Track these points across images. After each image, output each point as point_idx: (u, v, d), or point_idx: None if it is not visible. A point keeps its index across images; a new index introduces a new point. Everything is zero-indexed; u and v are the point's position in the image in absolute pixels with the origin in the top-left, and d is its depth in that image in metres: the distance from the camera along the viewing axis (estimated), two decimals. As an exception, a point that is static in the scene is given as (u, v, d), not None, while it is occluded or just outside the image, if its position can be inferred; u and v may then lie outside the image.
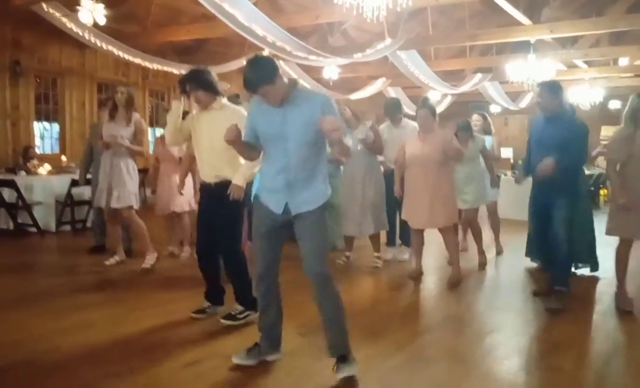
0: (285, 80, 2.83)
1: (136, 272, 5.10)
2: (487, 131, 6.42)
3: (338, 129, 2.62)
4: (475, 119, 6.38)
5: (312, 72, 10.87)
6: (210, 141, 3.60)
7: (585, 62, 12.07)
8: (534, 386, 3.00)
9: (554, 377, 3.10)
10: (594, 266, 5.32)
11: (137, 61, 8.83)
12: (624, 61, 12.17)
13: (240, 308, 3.70)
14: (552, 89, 4.32)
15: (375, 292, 4.80)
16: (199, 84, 3.60)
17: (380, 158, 5.72)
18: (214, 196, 3.62)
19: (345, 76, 11.63)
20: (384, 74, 12.19)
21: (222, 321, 3.65)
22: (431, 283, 5.13)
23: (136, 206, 5.23)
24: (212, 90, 3.63)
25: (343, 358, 2.87)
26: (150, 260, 5.21)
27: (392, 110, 5.98)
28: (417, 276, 5.11)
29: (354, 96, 12.41)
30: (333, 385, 2.83)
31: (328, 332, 2.91)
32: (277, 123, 2.81)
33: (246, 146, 2.97)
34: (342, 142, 2.80)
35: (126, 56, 8.52)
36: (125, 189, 5.12)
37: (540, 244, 4.46)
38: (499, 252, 6.27)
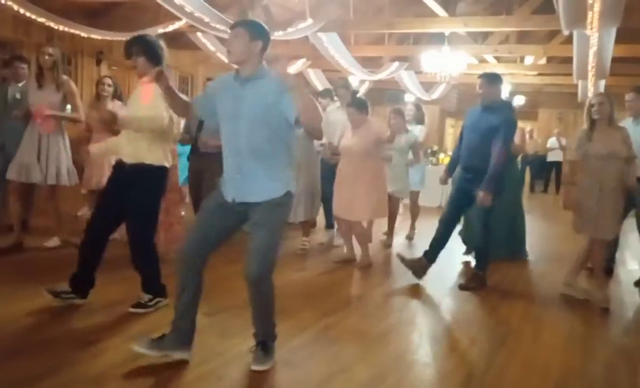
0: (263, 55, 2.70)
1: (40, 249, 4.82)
2: (419, 120, 6.58)
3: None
4: (409, 109, 6.53)
5: (231, 47, 10.63)
6: (136, 112, 3.37)
7: (495, 57, 12.71)
8: (429, 363, 3.15)
9: (450, 354, 3.29)
10: (520, 255, 5.70)
11: (41, 20, 8.19)
12: (529, 60, 12.96)
13: (149, 296, 3.51)
14: (492, 79, 4.54)
15: (288, 274, 4.80)
16: (145, 51, 3.37)
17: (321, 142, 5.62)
18: (127, 179, 3.38)
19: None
20: (304, 54, 12.15)
21: (131, 309, 3.43)
22: (346, 266, 5.19)
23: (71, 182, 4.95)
24: (155, 60, 3.36)
25: (264, 344, 2.81)
26: (55, 241, 4.92)
27: (342, 90, 5.90)
28: (346, 262, 5.15)
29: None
30: (239, 362, 2.84)
31: (254, 322, 2.84)
32: (231, 99, 2.68)
33: (180, 98, 2.80)
34: (306, 98, 2.54)
35: (28, 13, 7.86)
36: (64, 166, 4.81)
37: (444, 224, 4.65)
38: (411, 237, 6.49)
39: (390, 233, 6.13)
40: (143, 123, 3.35)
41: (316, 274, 4.84)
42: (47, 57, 4.73)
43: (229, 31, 2.73)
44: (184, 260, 2.74)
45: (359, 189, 4.93)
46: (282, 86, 2.57)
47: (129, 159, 3.40)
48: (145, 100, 3.38)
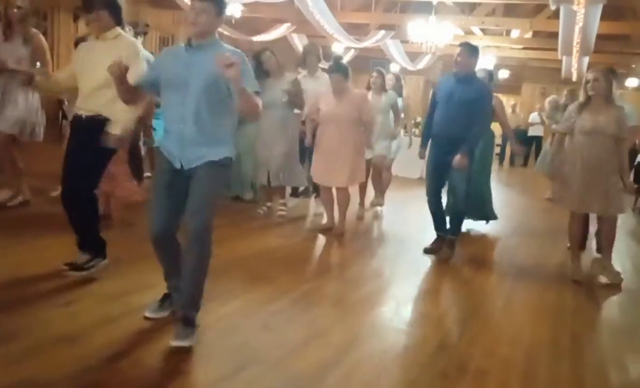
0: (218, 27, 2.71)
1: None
2: (398, 92, 6.52)
3: (234, 66, 2.40)
4: (389, 78, 6.44)
5: (215, 8, 10.41)
6: (93, 71, 3.22)
7: (481, 29, 12.67)
8: (404, 329, 3.22)
9: (424, 322, 3.36)
10: (487, 218, 5.82)
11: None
12: (515, 33, 12.94)
13: (86, 256, 3.35)
14: (471, 50, 4.53)
15: (268, 240, 4.81)
16: (109, 4, 3.23)
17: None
18: (83, 131, 3.25)
19: (248, 16, 11.27)
20: (288, 19, 11.96)
21: (70, 273, 3.28)
22: (326, 234, 5.21)
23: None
24: (116, 15, 3.26)
25: (186, 318, 2.66)
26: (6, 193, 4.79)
27: (311, 57, 5.83)
28: (327, 230, 5.13)
29: (257, 38, 12.10)
30: (217, 326, 2.86)
31: (182, 290, 2.72)
32: (181, 66, 2.64)
33: (130, 87, 2.75)
34: (242, 88, 2.53)
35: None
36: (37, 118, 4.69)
37: (434, 199, 4.68)
38: (380, 204, 6.40)
39: (362, 201, 6.09)
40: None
41: (296, 241, 4.86)
42: (15, 10, 4.54)
43: (194, 3, 2.68)
44: (158, 243, 2.76)
45: (342, 156, 4.92)
46: (233, 56, 2.52)
47: (85, 112, 3.27)
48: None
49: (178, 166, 2.71)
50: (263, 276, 3.74)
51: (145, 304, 2.96)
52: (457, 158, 4.34)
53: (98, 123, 3.22)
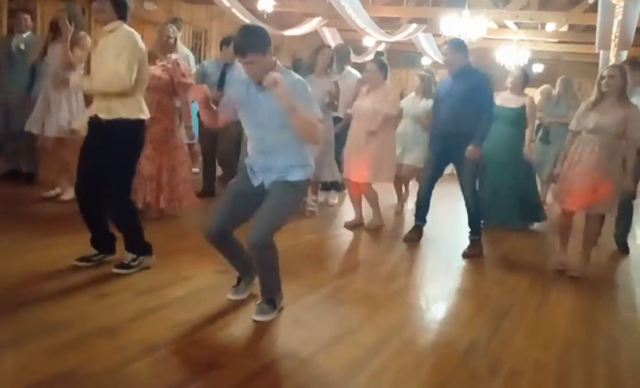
0: (274, 58, 2.81)
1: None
2: (428, 94, 5.88)
3: (278, 84, 2.59)
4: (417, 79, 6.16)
5: (246, 2, 10.47)
6: (99, 70, 3.22)
7: (515, 23, 12.42)
8: (434, 328, 3.21)
9: (455, 321, 3.34)
10: (537, 219, 5.80)
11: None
12: (550, 26, 12.64)
13: (131, 255, 3.41)
14: (457, 46, 4.55)
15: (299, 236, 4.83)
16: None
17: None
18: (103, 134, 3.25)
19: (279, 10, 11.30)
20: (319, 13, 11.94)
21: (115, 270, 3.35)
22: (355, 230, 5.22)
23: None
24: (120, 10, 3.22)
25: (269, 300, 2.94)
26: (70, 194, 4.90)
27: (343, 58, 5.87)
28: (355, 226, 5.16)
29: (288, 33, 12.11)
30: (249, 315, 2.91)
31: (260, 282, 3.00)
32: (255, 106, 2.81)
33: (214, 112, 2.95)
34: (291, 107, 2.65)
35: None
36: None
37: (427, 187, 4.75)
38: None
39: (400, 199, 6.13)
40: (104, 89, 3.22)
41: (325, 237, 4.89)
42: (61, 13, 4.56)
43: (238, 60, 2.84)
44: (210, 240, 2.92)
45: (367, 151, 4.91)
46: (295, 86, 2.74)
47: (103, 114, 3.26)
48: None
49: (256, 184, 2.90)
50: (294, 271, 3.75)
51: (179, 296, 3.04)
52: (470, 149, 4.34)
53: (118, 125, 3.24)
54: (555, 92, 7.30)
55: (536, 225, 5.87)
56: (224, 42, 5.72)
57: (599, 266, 4.63)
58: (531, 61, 14.45)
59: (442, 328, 3.25)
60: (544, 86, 7.93)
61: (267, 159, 2.87)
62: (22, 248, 3.65)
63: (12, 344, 2.42)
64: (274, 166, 2.86)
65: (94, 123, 3.31)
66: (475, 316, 3.42)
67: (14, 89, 5.22)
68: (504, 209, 5.53)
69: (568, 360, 2.90)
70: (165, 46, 4.57)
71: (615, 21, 6.99)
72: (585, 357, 2.97)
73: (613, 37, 7.70)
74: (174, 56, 4.57)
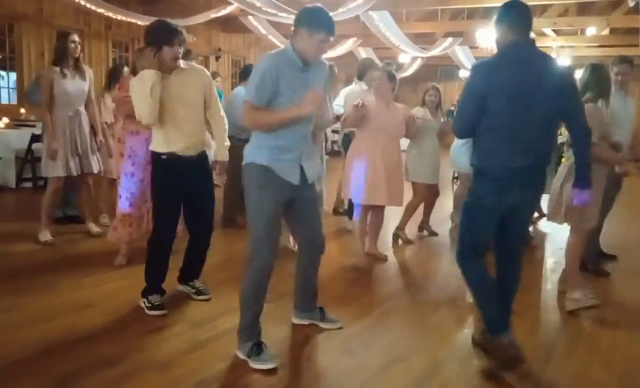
0: None
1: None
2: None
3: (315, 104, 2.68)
4: (430, 94, 5.56)
5: (282, 28, 10.65)
6: (185, 107, 3.25)
7: (554, 30, 12.19)
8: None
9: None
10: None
11: (100, 10, 8.47)
12: (590, 31, 12.35)
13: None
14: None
15: (343, 260, 4.82)
16: (145, 37, 3.25)
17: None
18: (197, 170, 3.32)
19: (315, 34, 11.45)
20: (354, 33, 12.04)
21: (196, 297, 3.56)
22: (399, 252, 5.20)
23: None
24: (156, 46, 3.19)
25: (322, 309, 3.24)
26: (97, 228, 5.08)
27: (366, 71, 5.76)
28: (375, 259, 4.76)
29: (325, 56, 12.26)
30: (299, 349, 2.92)
31: (315, 291, 3.22)
32: (301, 84, 2.75)
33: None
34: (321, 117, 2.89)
35: (88, 5, 8.15)
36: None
37: None
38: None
39: (425, 218, 5.80)
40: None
41: (367, 260, 4.84)
42: (75, 44, 4.54)
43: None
44: (269, 274, 2.83)
45: (399, 171, 4.63)
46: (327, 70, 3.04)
47: (193, 151, 3.35)
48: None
49: (296, 182, 2.79)
50: (340, 297, 3.76)
51: (230, 328, 3.07)
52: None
53: (206, 158, 3.46)
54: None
55: None
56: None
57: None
58: (572, 68, 14.10)
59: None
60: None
61: (306, 145, 2.87)
62: (80, 283, 3.77)
63: (68, 379, 2.50)
64: (312, 155, 2.97)
65: (184, 162, 3.33)
66: (528, 339, 3.30)
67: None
68: None
69: (630, 382, 2.78)
70: None
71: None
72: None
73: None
74: None
